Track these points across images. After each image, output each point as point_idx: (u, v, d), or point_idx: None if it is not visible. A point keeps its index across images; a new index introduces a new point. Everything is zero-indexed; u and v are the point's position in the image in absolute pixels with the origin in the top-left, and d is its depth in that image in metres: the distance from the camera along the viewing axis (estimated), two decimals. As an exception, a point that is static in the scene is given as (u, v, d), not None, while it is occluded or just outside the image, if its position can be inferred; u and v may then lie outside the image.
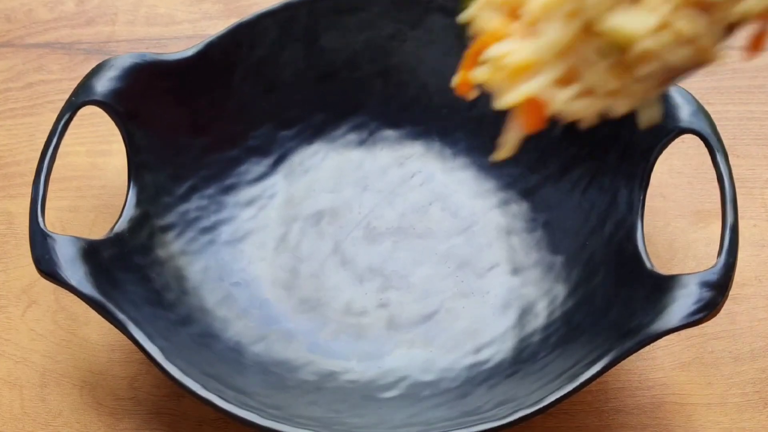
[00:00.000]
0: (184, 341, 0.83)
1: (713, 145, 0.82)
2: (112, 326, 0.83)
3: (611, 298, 0.83)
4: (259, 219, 0.95)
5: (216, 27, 1.07)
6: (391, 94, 0.98)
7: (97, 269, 0.81)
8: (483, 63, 0.62)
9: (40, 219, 0.81)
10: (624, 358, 0.76)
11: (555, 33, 0.59)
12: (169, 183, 0.91)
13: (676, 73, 0.59)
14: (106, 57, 0.94)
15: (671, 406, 0.86)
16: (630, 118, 0.86)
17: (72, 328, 0.90)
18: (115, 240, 0.85)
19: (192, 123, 0.92)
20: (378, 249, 0.93)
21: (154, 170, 0.90)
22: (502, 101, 0.62)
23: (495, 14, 0.61)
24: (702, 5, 0.57)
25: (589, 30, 0.58)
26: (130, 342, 0.81)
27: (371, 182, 0.97)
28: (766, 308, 0.91)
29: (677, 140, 0.85)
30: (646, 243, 0.84)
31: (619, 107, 0.61)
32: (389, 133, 0.98)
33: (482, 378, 0.86)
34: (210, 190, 0.94)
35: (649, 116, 0.62)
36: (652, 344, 0.79)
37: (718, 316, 0.77)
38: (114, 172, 0.98)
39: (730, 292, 0.78)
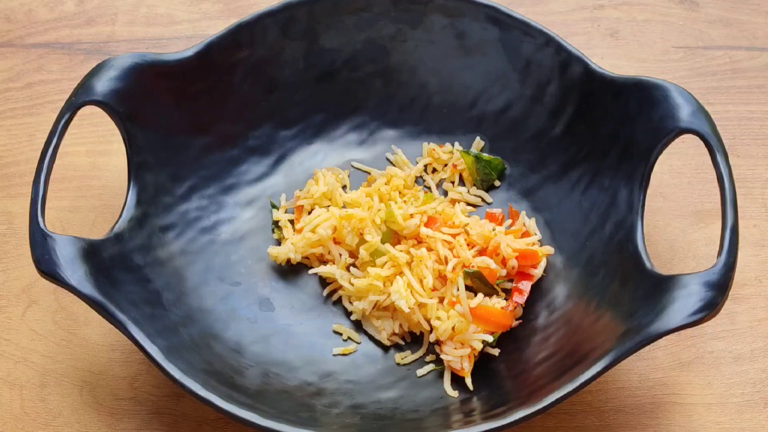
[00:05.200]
0: (184, 341, 0.83)
1: (713, 145, 0.82)
2: (112, 326, 0.83)
3: (611, 298, 0.83)
4: (259, 219, 0.95)
5: (216, 27, 1.07)
6: (391, 94, 0.98)
7: (97, 269, 0.81)
8: None
9: (40, 219, 0.81)
10: (624, 358, 0.76)
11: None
12: (169, 183, 0.91)
13: None
14: (106, 57, 0.94)
15: (671, 406, 0.86)
16: (630, 118, 0.86)
17: (72, 328, 0.90)
18: (115, 240, 0.85)
19: (192, 123, 0.92)
20: (378, 249, 0.93)
21: (154, 170, 0.90)
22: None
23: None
24: None
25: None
26: (130, 342, 0.81)
27: (371, 182, 0.97)
28: (766, 308, 0.91)
29: (677, 140, 0.85)
30: (646, 243, 0.84)
31: None
32: (389, 133, 0.98)
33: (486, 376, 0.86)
34: (210, 190, 0.94)
35: None
36: (652, 344, 0.79)
37: (718, 316, 0.77)
38: (114, 172, 0.98)
39: (730, 292, 0.78)
